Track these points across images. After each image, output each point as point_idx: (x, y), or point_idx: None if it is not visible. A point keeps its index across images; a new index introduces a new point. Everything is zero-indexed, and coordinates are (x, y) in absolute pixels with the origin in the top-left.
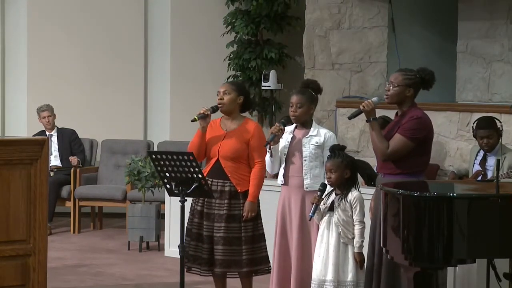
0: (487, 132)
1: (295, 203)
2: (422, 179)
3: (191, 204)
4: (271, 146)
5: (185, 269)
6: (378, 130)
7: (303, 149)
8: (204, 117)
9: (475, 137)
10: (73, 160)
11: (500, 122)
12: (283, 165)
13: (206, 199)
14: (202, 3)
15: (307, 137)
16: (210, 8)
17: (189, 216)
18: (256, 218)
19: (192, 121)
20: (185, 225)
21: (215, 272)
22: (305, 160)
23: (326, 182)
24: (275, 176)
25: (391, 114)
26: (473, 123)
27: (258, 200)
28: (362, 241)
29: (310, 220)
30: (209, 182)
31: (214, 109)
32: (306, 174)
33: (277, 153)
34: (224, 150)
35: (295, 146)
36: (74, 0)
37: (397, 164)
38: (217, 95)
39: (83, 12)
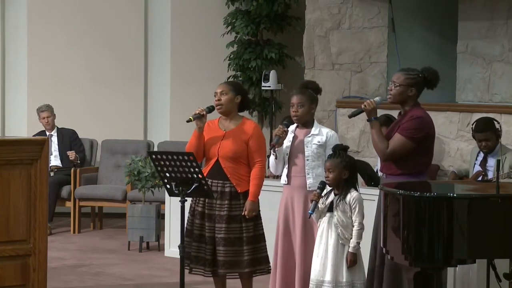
0: (484, 135)
1: (298, 203)
2: (424, 180)
3: (191, 204)
4: (276, 148)
5: (188, 271)
6: (378, 130)
7: (305, 148)
8: (199, 117)
9: (474, 138)
10: (71, 154)
11: (499, 123)
12: (286, 165)
13: (207, 200)
14: (202, 3)
15: (309, 137)
16: (210, 8)
17: (188, 217)
18: (257, 218)
19: (188, 121)
20: (185, 225)
21: (218, 273)
22: (307, 160)
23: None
24: (276, 176)
25: (393, 114)
26: (472, 125)
27: (258, 200)
28: (358, 243)
29: (309, 217)
30: (209, 182)
31: (210, 109)
32: (308, 174)
33: (281, 154)
34: (224, 151)
35: (297, 146)
36: (74, 0)
37: (398, 165)
38: (214, 96)
39: (83, 12)
